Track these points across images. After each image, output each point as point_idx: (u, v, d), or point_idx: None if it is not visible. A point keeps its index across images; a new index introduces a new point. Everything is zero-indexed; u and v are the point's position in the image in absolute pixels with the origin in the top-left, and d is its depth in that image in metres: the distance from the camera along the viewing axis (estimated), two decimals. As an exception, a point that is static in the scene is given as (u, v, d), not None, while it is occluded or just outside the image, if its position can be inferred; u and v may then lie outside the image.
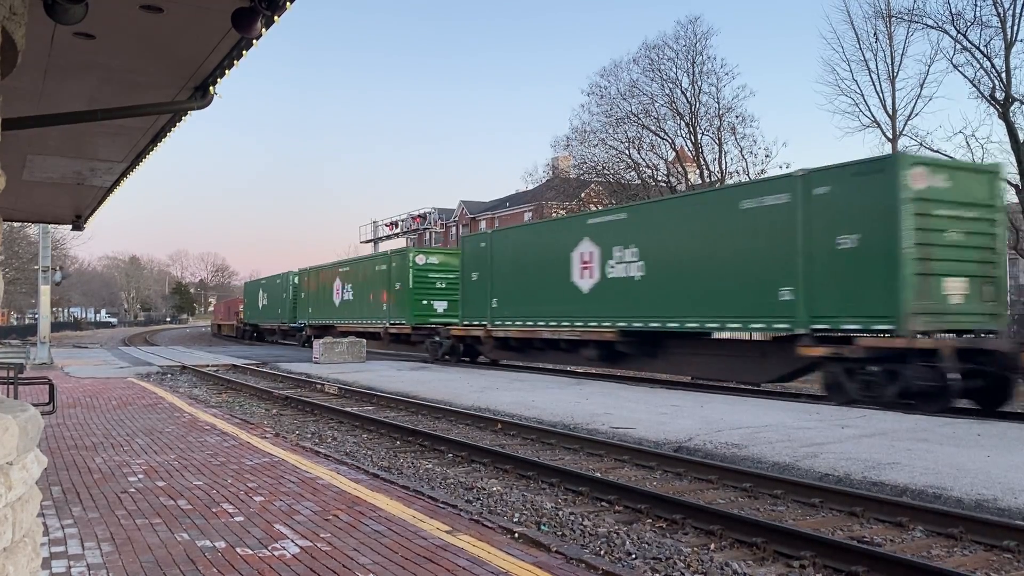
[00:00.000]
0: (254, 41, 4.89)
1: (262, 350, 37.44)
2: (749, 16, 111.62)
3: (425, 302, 28.31)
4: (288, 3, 4.38)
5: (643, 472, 8.98)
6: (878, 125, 32.91)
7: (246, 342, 50.43)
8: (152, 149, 7.98)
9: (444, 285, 28.41)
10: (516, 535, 5.52)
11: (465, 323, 25.05)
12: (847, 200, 13.51)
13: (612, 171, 40.89)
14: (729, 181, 38.23)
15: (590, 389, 16.64)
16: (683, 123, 38.78)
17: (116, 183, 9.88)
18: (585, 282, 19.67)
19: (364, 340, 29.07)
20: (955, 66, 29.25)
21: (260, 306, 49.70)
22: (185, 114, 6.60)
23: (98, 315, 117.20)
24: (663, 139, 39.70)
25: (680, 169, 39.57)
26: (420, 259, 29.02)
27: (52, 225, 25.01)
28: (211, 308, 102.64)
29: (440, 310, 28.27)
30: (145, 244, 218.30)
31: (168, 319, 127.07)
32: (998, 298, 13.78)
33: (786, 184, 14.80)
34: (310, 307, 38.87)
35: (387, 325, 29.83)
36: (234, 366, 25.64)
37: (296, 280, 42.24)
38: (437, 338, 26.81)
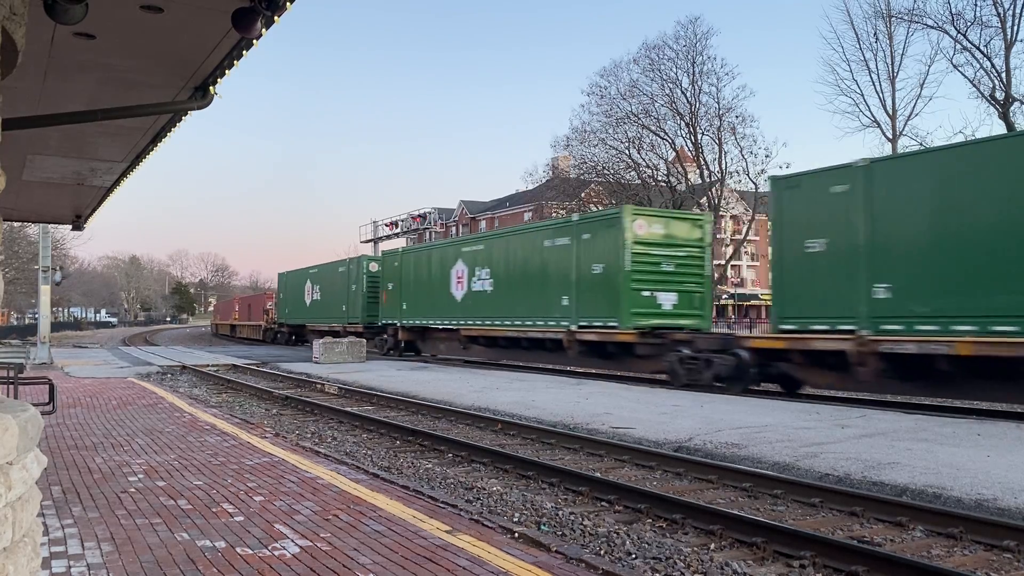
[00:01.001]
0: (254, 41, 4.90)
1: (262, 350, 37.34)
2: (749, 16, 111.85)
3: (647, 293, 18.59)
4: (288, 3, 4.39)
5: (643, 472, 8.98)
6: (878, 125, 33.08)
7: (244, 343, 49.81)
8: (152, 149, 7.99)
9: (672, 268, 18.96)
10: (516, 535, 5.52)
11: (786, 327, 14.95)
12: None
13: (612, 171, 41.01)
14: (729, 181, 38.36)
15: (590, 389, 16.64)
16: (683, 123, 38.92)
17: (116, 183, 9.89)
18: None
19: (364, 340, 28.25)
20: (955, 66, 29.39)
21: (308, 302, 39.46)
22: (185, 114, 6.60)
23: (98, 315, 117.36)
24: (663, 139, 39.82)
25: (680, 169, 39.65)
26: (640, 226, 18.60)
27: (52, 225, 25.01)
28: (211, 308, 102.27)
29: (668, 306, 18.88)
30: (145, 244, 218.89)
31: (168, 319, 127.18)
32: None
33: None
34: (404, 303, 29.11)
35: (573, 328, 19.87)
36: (234, 366, 25.64)
37: (374, 267, 32.56)
38: (686, 351, 17.02)
